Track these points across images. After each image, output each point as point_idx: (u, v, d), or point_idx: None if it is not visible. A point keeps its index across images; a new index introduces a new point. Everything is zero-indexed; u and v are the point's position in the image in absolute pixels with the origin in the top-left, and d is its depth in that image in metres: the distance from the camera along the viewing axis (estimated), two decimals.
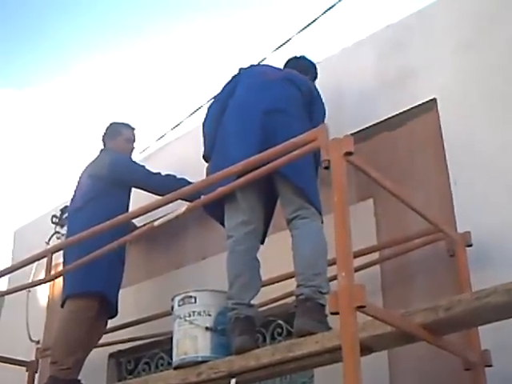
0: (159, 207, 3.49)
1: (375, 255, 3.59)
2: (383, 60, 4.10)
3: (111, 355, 4.84)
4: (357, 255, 3.03)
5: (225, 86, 3.82)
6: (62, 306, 4.21)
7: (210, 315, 3.22)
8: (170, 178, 4.48)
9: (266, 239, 3.49)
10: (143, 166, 4.58)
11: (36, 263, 4.61)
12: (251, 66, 3.96)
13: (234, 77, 3.83)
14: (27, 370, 4.66)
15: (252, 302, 3.18)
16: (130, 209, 4.40)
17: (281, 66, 4.13)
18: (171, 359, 3.37)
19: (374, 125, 3.96)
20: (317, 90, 3.81)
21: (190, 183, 4.08)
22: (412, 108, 3.83)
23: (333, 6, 5.19)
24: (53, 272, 3.89)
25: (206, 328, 3.19)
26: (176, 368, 3.24)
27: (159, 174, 4.52)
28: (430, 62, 3.87)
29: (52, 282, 5.13)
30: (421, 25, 4.03)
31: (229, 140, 3.45)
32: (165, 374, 3.52)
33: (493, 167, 3.40)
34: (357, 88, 4.13)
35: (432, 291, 3.34)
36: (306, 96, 3.65)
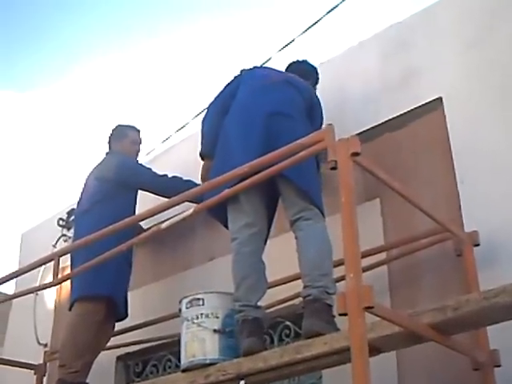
0: (166, 209, 3.49)
1: (382, 255, 3.59)
2: (387, 60, 4.10)
3: (119, 358, 4.84)
4: (364, 255, 3.02)
5: (226, 86, 3.82)
6: (70, 309, 4.22)
7: (217, 317, 3.22)
8: (176, 179, 4.48)
9: (271, 241, 3.48)
10: (149, 169, 4.58)
11: (43, 266, 4.62)
12: (254, 67, 3.96)
13: (235, 77, 3.83)
14: (35, 373, 4.66)
15: (259, 303, 3.18)
16: (137, 211, 4.40)
17: (283, 68, 4.13)
18: (179, 361, 3.37)
19: (379, 125, 3.96)
20: (317, 96, 3.82)
21: (196, 185, 4.08)
22: (417, 108, 3.82)
23: (336, 7, 5.20)
24: (60, 275, 3.90)
25: (214, 330, 3.19)
26: (184, 370, 3.24)
27: (165, 176, 4.52)
28: (434, 61, 3.87)
29: (59, 286, 5.13)
30: (424, 24, 4.02)
31: (231, 143, 3.45)
32: (173, 376, 3.52)
33: (499, 166, 3.39)
34: (361, 88, 4.13)
35: (439, 291, 3.33)
36: (307, 101, 3.66)
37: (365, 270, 2.87)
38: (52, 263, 3.80)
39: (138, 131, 4.86)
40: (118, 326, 4.36)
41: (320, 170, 3.47)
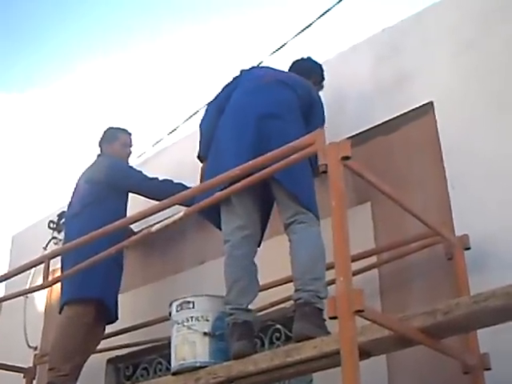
0: (157, 212, 3.49)
1: (373, 259, 3.59)
2: (380, 64, 4.11)
3: (109, 361, 4.82)
4: (355, 259, 3.02)
5: (224, 87, 3.80)
6: (60, 312, 4.21)
7: (208, 320, 3.21)
8: (167, 183, 4.47)
9: (264, 244, 3.48)
10: (140, 171, 4.58)
11: (33, 269, 4.60)
12: (252, 67, 3.94)
13: (234, 78, 3.82)
14: (24, 377, 4.65)
15: (250, 306, 3.18)
16: (128, 214, 4.39)
17: (287, 66, 4.11)
18: (169, 365, 3.36)
19: (371, 129, 3.96)
20: (317, 93, 3.80)
21: (187, 188, 4.08)
22: (409, 111, 3.83)
23: (329, 10, 5.20)
24: (50, 278, 3.88)
25: (204, 333, 3.18)
26: (174, 373, 3.23)
27: (156, 179, 4.51)
28: (426, 65, 3.88)
29: (49, 288, 5.11)
30: (417, 28, 4.03)
31: (224, 145, 3.45)
32: (163, 379, 3.52)
33: (490, 170, 3.40)
34: (353, 92, 4.13)
35: (430, 295, 3.34)
36: (304, 99, 3.62)
37: (355, 273, 2.88)
38: (42, 266, 3.79)
39: (130, 134, 4.86)
40: (109, 328, 4.34)
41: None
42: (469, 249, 3.20)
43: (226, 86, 3.80)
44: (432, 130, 3.67)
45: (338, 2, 5.07)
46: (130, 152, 4.86)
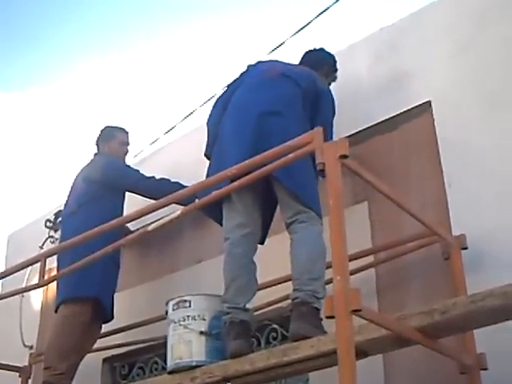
0: (153, 211, 3.48)
1: (370, 258, 3.58)
2: (378, 63, 4.10)
3: (105, 360, 4.82)
4: (352, 258, 3.02)
5: (231, 84, 3.77)
6: (56, 311, 4.20)
7: (204, 319, 3.20)
8: (163, 181, 4.47)
9: None
10: (137, 170, 4.57)
11: (30, 268, 4.59)
12: (258, 62, 3.87)
13: (241, 74, 3.77)
14: (20, 376, 4.64)
15: (248, 305, 3.17)
16: (125, 213, 4.38)
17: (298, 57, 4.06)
18: (166, 364, 3.35)
19: (369, 128, 3.96)
20: (324, 83, 3.73)
21: (183, 187, 4.06)
22: (406, 111, 3.83)
23: (327, 9, 5.20)
24: (46, 277, 3.87)
25: (201, 332, 3.17)
26: (170, 373, 3.23)
27: (153, 177, 4.50)
28: (424, 64, 3.87)
29: (46, 287, 5.10)
30: (415, 27, 4.03)
31: (226, 141, 3.43)
32: (159, 378, 3.51)
33: (488, 170, 3.39)
34: (351, 91, 4.13)
35: (427, 294, 3.33)
36: (308, 91, 3.54)
37: (352, 272, 2.86)
38: (38, 264, 3.77)
39: (127, 133, 4.85)
40: (105, 327, 4.33)
41: None
42: (466, 248, 3.20)
43: (233, 82, 3.77)
44: (430, 129, 3.67)
45: (336, 1, 5.08)
46: (127, 151, 4.85)
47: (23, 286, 5.00)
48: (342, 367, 2.25)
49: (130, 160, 5.05)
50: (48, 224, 5.64)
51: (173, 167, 4.80)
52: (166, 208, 3.46)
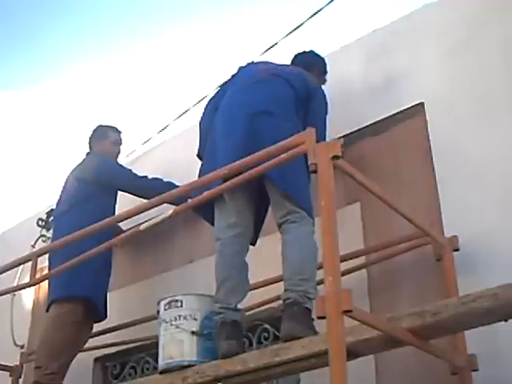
0: (146, 211, 3.47)
1: (362, 259, 3.59)
2: (370, 64, 4.11)
3: (97, 359, 4.81)
4: (344, 259, 3.03)
5: (223, 84, 3.78)
6: (48, 310, 4.19)
7: (196, 319, 3.20)
8: (156, 181, 4.46)
9: None
10: (129, 170, 4.56)
11: (21, 267, 4.58)
12: (249, 63, 3.88)
13: (233, 75, 3.78)
14: (11, 375, 4.63)
15: (239, 305, 3.17)
16: (117, 212, 4.37)
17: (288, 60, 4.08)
18: (157, 363, 3.34)
19: (361, 129, 3.96)
20: (317, 84, 3.74)
21: (176, 187, 4.06)
22: (399, 112, 3.83)
23: (320, 10, 5.19)
24: (38, 275, 3.86)
25: (192, 332, 3.17)
26: (162, 372, 3.22)
27: (145, 177, 4.50)
28: (417, 66, 3.88)
29: (37, 286, 5.09)
30: (408, 29, 4.04)
31: (218, 142, 3.43)
32: (151, 378, 3.51)
33: (480, 172, 3.40)
34: (344, 92, 4.13)
35: (419, 295, 3.34)
36: (301, 92, 3.55)
37: (344, 273, 2.88)
38: (30, 263, 3.76)
39: (119, 132, 4.84)
40: (96, 327, 4.32)
41: None
42: (458, 250, 3.20)
43: (225, 83, 3.78)
44: (422, 130, 3.68)
45: (330, 2, 5.06)
46: (120, 150, 4.84)
47: (14, 284, 4.99)
48: (333, 368, 2.26)
49: (122, 159, 5.05)
50: (40, 223, 5.64)
51: (165, 167, 4.80)
52: (158, 207, 3.47)
